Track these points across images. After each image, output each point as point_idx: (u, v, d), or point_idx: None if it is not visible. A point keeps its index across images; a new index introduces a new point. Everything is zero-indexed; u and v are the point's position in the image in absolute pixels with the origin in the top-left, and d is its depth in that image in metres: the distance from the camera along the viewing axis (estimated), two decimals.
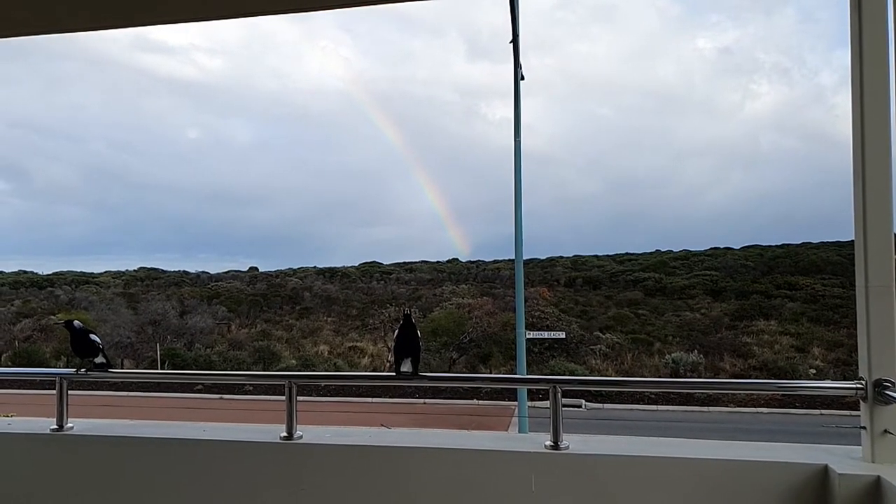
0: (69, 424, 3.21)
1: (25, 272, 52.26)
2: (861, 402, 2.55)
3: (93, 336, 3.29)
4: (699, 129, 62.25)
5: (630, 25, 64.73)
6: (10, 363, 30.79)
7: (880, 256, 2.48)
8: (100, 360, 3.33)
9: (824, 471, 2.48)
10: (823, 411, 20.16)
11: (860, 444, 2.57)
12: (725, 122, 60.28)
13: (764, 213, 62.47)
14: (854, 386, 2.54)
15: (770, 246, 46.40)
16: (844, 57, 2.56)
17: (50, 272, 51.85)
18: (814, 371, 26.48)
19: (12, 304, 40.13)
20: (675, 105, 63.44)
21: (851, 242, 2.56)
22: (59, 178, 68.06)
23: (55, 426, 3.19)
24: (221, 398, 22.67)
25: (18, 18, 3.17)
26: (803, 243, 45.33)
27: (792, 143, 61.62)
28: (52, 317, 33.85)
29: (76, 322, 3.32)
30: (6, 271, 52.34)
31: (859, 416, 2.58)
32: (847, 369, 24.65)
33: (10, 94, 65.45)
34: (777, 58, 59.50)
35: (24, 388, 19.56)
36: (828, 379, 21.78)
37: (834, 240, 42.49)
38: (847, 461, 2.51)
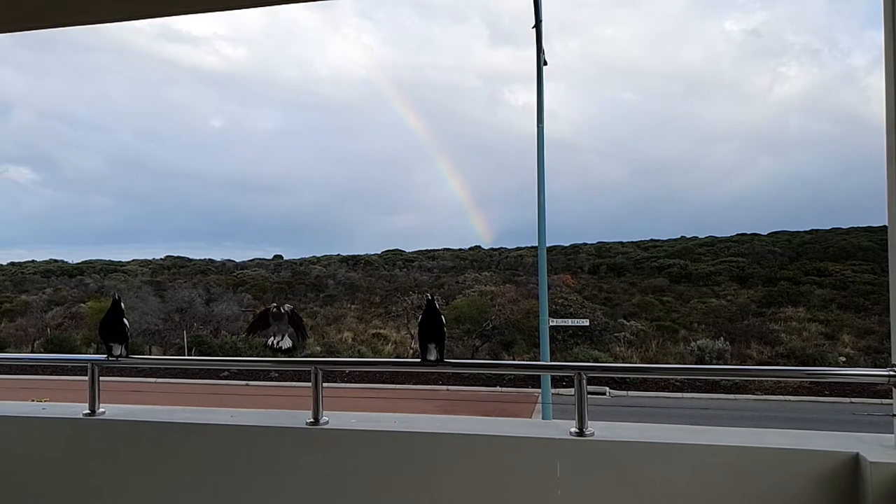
0: (101, 409, 3.27)
1: (56, 261, 53.15)
2: (893, 389, 2.50)
3: (125, 322, 3.32)
4: (726, 113, 61.07)
5: (655, 8, 63.51)
6: (42, 350, 31.50)
7: None
8: (118, 351, 3.31)
9: (855, 459, 2.44)
10: (853, 399, 19.87)
11: (892, 433, 2.53)
12: (753, 105, 59.02)
13: (792, 198, 61.23)
14: (886, 373, 2.49)
15: (798, 232, 45.43)
16: (878, 36, 2.49)
17: (79, 261, 52.58)
18: (843, 359, 26.06)
19: (44, 293, 40.97)
20: (702, 89, 62.36)
21: (883, 227, 2.50)
22: (87, 167, 69.26)
23: (87, 411, 3.25)
24: (248, 384, 23.01)
25: (47, 10, 3.22)
26: (833, 229, 44.32)
27: (821, 127, 60.28)
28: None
29: (122, 304, 3.37)
30: (38, 260, 53.39)
31: (891, 404, 2.54)
32: (878, 357, 24.22)
33: (40, 85, 66.87)
34: (807, 39, 58.07)
35: (56, 375, 20.08)
36: (858, 366, 21.44)
37: (865, 225, 41.56)
38: (878, 449, 2.46)
